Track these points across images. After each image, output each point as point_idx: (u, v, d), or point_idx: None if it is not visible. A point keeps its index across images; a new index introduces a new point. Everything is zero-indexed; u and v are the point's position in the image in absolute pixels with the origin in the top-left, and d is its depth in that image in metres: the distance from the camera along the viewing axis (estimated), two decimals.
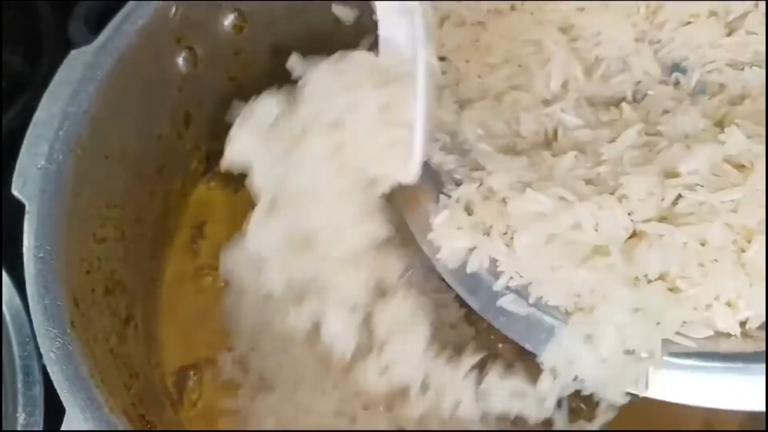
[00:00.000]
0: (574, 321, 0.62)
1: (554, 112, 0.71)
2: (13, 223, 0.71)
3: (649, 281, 0.61)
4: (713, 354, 0.61)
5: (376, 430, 0.74)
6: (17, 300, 0.69)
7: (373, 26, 0.68)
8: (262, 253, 0.71)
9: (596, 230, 0.61)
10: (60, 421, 0.64)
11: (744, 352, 0.60)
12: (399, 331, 0.70)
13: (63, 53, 0.76)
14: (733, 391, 0.61)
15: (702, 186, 0.61)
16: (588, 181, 0.64)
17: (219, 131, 0.90)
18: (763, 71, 0.69)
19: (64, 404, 0.64)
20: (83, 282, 0.73)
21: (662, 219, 0.62)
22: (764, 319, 0.60)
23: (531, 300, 0.64)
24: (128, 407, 0.71)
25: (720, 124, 0.67)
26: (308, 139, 0.67)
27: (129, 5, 0.78)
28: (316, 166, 0.67)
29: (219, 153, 0.90)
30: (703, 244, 0.60)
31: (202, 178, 0.90)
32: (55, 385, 0.65)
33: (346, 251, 0.69)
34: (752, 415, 0.75)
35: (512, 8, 0.76)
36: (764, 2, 0.71)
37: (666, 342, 0.61)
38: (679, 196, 0.62)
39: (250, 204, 0.75)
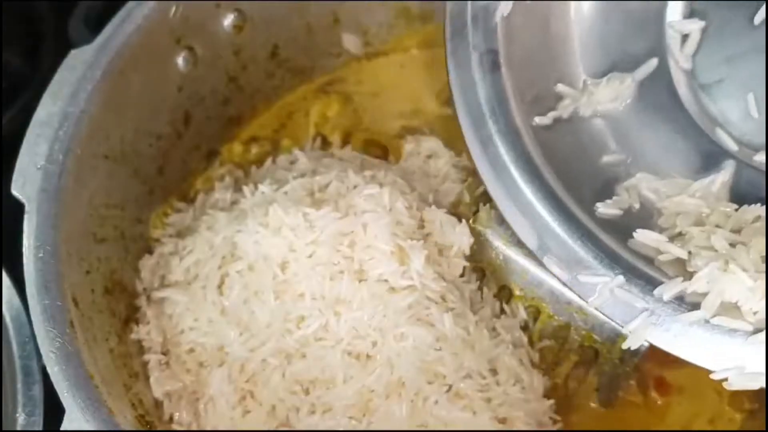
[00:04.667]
0: None
1: None
2: (13, 223, 0.71)
3: None
4: None
5: None
6: (17, 300, 0.69)
7: None
8: None
9: None
10: (60, 421, 0.64)
11: None
12: None
13: (63, 53, 0.76)
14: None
15: None
16: None
17: (219, 131, 0.91)
18: None
19: (64, 404, 0.64)
20: (83, 282, 0.72)
21: None
22: None
23: None
24: (128, 407, 0.71)
25: None
26: None
27: (129, 5, 0.78)
28: None
29: (219, 153, 0.90)
30: None
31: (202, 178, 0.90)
32: (55, 385, 0.65)
33: None
34: (752, 415, 0.75)
35: None
36: None
37: None
38: None
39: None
